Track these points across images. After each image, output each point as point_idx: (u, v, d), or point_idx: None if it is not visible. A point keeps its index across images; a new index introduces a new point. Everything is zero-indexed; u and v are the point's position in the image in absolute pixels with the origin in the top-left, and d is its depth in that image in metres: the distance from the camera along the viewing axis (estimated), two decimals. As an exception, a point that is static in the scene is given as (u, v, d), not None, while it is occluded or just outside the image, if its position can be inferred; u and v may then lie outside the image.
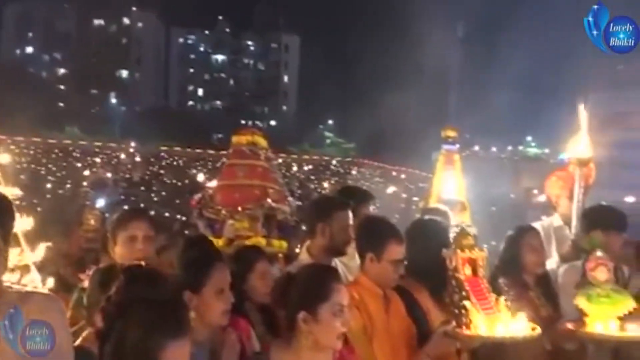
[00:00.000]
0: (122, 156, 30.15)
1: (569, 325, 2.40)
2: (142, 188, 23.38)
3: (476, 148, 38.59)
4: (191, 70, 68.68)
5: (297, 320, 1.87)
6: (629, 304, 2.35)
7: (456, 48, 49.92)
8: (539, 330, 2.13)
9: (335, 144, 47.82)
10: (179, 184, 24.48)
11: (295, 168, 31.55)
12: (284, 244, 3.98)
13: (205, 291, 1.97)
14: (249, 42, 69.41)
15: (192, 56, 68.75)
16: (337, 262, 2.72)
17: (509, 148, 43.57)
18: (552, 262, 3.25)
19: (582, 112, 3.39)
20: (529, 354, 2.39)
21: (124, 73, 63.32)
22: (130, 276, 1.89)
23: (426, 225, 2.77)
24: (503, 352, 2.29)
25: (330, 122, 55.82)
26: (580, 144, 3.29)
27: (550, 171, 3.79)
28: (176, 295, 1.94)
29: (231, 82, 69.45)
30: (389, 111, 37.95)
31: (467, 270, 2.24)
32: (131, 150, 31.04)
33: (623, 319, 2.35)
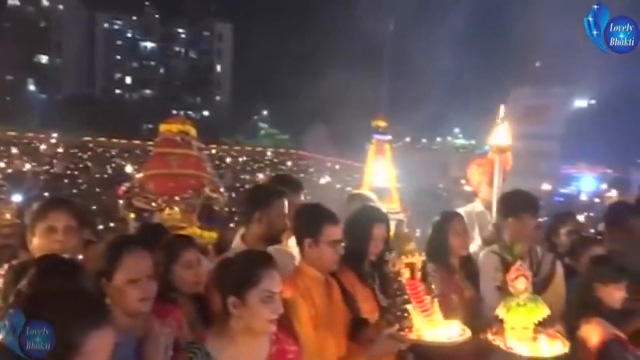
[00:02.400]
0: (43, 147, 28.30)
1: (489, 336, 2.56)
2: (66, 181, 22.09)
3: (407, 139, 39.83)
4: (118, 57, 65.57)
5: (228, 304, 1.87)
6: (543, 312, 2.55)
7: (388, 43, 51.08)
8: (469, 333, 2.27)
9: (269, 135, 47.56)
10: (106, 176, 23.38)
11: (229, 159, 31.04)
12: (214, 234, 3.94)
13: (117, 278, 1.90)
14: (180, 30, 67.20)
15: (119, 42, 65.62)
16: (271, 250, 2.72)
17: (438, 139, 45.37)
18: (474, 245, 3.45)
19: (502, 105, 3.62)
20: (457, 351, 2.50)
21: (43, 58, 59.34)
22: (43, 267, 1.80)
23: (361, 210, 2.86)
24: (435, 350, 2.41)
25: (264, 112, 55.40)
26: (500, 134, 3.50)
27: (476, 161, 4.00)
28: (94, 284, 1.88)
29: (161, 70, 67.03)
30: (324, 102, 38.18)
31: (406, 274, 2.34)
32: (53, 140, 29.21)
33: (538, 325, 2.56)
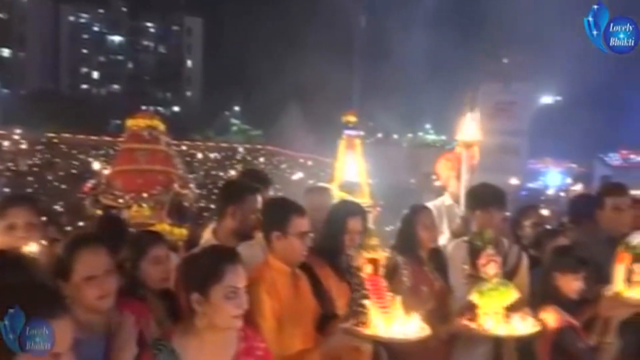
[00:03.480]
0: (5, 143, 27.41)
1: (465, 322, 2.61)
2: (30, 178, 21.47)
3: (379, 135, 40.16)
4: (84, 51, 63.87)
5: (192, 301, 1.85)
6: (513, 295, 2.63)
7: (360, 39, 51.40)
8: (428, 330, 2.28)
9: (241, 130, 47.18)
10: (74, 171, 22.81)
11: (200, 155, 30.67)
12: (184, 231, 3.91)
13: (74, 276, 1.86)
14: (149, 24, 65.89)
15: (85, 36, 63.89)
16: (246, 245, 2.69)
17: (409, 135, 45.83)
18: (443, 238, 3.51)
19: (470, 101, 3.68)
20: (419, 349, 2.52)
21: (6, 52, 57.39)
22: None
23: (337, 204, 2.88)
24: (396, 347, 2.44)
25: (236, 108, 54.90)
26: (468, 129, 3.57)
27: (445, 156, 4.05)
28: (53, 283, 1.85)
29: (130, 65, 65.63)
30: (296, 97, 38.14)
31: (368, 269, 2.34)
32: (16, 137, 28.30)
33: (509, 308, 2.62)
